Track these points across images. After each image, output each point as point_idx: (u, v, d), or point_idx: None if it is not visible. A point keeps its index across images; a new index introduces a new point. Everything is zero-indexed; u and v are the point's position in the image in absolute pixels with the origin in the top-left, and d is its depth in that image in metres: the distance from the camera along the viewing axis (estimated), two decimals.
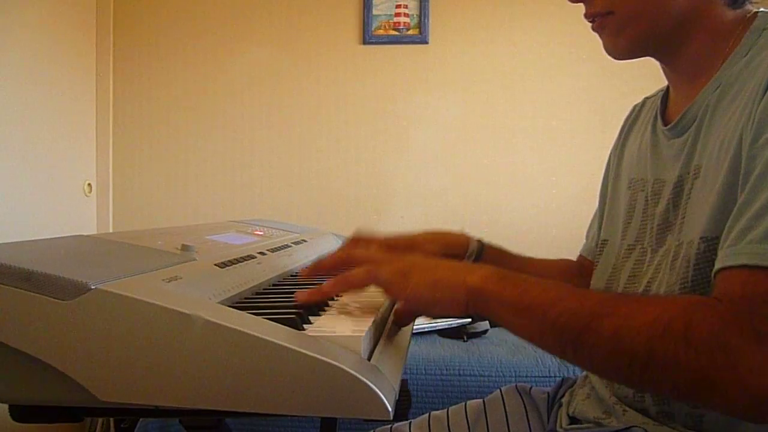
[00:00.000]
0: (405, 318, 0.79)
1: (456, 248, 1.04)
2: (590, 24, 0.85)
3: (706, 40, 0.80)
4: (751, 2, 0.80)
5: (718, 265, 0.63)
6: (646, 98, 1.02)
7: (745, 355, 0.56)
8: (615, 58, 0.86)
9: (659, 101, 0.93)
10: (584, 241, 1.14)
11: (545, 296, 0.66)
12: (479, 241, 1.07)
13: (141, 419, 1.73)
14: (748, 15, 0.79)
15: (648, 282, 0.83)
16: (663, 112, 0.91)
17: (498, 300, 0.68)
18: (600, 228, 1.04)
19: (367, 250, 0.92)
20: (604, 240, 0.99)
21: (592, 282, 0.99)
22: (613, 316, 0.62)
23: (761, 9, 0.80)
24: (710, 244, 0.69)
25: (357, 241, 0.98)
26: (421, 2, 2.59)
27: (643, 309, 0.61)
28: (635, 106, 1.04)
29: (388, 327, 0.77)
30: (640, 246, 0.89)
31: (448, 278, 0.71)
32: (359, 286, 0.75)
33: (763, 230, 0.60)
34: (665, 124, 0.88)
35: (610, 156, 1.08)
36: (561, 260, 1.16)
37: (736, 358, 0.56)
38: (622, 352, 0.61)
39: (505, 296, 0.68)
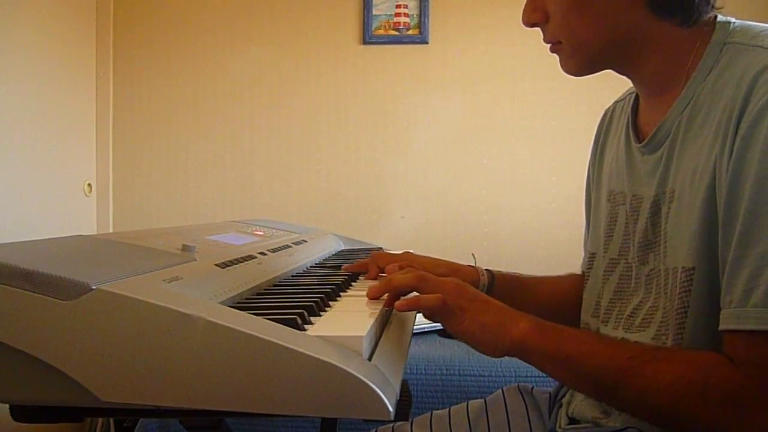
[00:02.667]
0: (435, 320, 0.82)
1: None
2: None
3: (662, 57, 0.80)
4: (713, 9, 0.78)
5: (725, 326, 0.67)
6: (617, 102, 1.02)
7: (757, 414, 0.64)
8: (572, 76, 0.88)
9: (630, 109, 0.93)
10: (583, 255, 1.14)
11: (579, 350, 0.73)
12: (489, 273, 1.08)
13: (141, 419, 1.73)
14: (707, 26, 0.78)
15: (640, 302, 0.84)
16: (635, 123, 0.91)
17: (538, 353, 0.75)
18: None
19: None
20: (593, 253, 0.99)
21: (584, 296, 1.00)
22: (640, 377, 0.69)
23: (719, 17, 0.79)
24: (689, 274, 0.74)
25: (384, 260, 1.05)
26: (421, 2, 2.59)
27: (665, 368, 0.68)
28: (607, 111, 1.04)
29: (388, 327, 0.77)
30: (624, 261, 0.90)
31: (497, 324, 0.77)
32: (427, 309, 0.80)
33: (764, 291, 0.64)
34: (638, 138, 0.88)
35: (588, 168, 1.08)
36: (568, 276, 1.15)
37: (749, 416, 0.64)
38: (649, 408, 0.70)
39: (544, 349, 0.75)
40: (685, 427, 0.69)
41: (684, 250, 0.74)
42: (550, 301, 1.11)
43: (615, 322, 0.88)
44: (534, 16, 0.87)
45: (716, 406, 0.65)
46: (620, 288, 0.89)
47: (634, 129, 0.90)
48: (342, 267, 1.13)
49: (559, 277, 1.16)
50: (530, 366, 1.92)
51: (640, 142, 0.87)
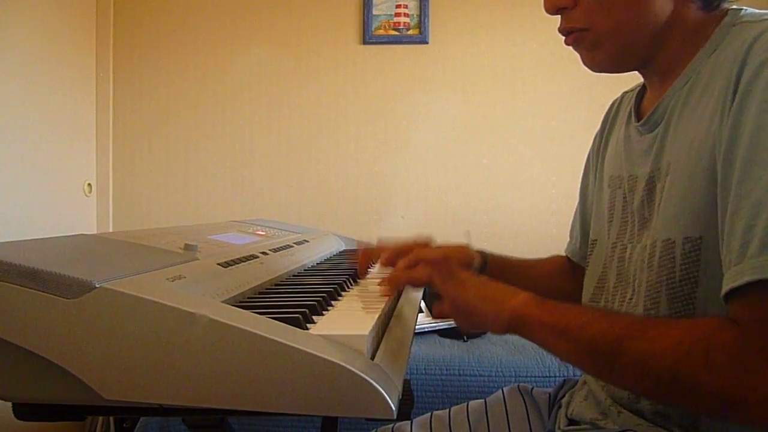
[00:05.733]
0: (442, 315, 0.82)
1: (461, 263, 1.06)
2: (563, 39, 0.85)
3: (679, 43, 0.80)
4: (728, 2, 0.79)
5: (726, 287, 0.64)
6: (625, 93, 1.02)
7: (765, 375, 0.59)
8: (594, 71, 0.86)
9: (634, 97, 0.93)
10: (568, 240, 1.15)
11: (579, 319, 0.71)
12: (482, 253, 1.09)
13: (141, 418, 1.73)
14: (721, 13, 0.79)
15: (633, 279, 0.84)
16: (638, 108, 0.92)
17: (537, 323, 0.73)
18: (585, 227, 1.05)
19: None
20: (594, 240, 0.99)
21: (584, 282, 1.00)
22: (640, 340, 0.65)
23: (732, 6, 0.79)
24: (695, 244, 0.72)
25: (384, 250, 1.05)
26: (421, 2, 2.59)
27: (666, 333, 0.65)
28: (614, 102, 1.04)
29: (390, 327, 0.77)
30: (621, 243, 0.89)
31: (495, 297, 0.77)
32: (422, 283, 0.82)
33: (759, 242, 0.61)
34: (638, 120, 0.88)
35: (589, 155, 1.08)
36: (554, 257, 1.18)
37: (757, 378, 0.59)
38: (649, 374, 0.65)
39: (543, 319, 0.73)
40: (686, 395, 0.63)
41: (685, 220, 0.73)
42: (540, 284, 1.12)
43: (619, 307, 0.88)
44: (562, 1, 0.82)
45: (720, 369, 0.60)
46: (620, 271, 0.89)
47: (636, 112, 0.91)
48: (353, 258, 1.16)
49: (545, 259, 1.18)
50: (530, 366, 1.93)
51: (639, 122, 0.87)
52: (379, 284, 0.88)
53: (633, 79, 0.93)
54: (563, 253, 1.16)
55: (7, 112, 2.06)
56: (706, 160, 0.70)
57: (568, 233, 1.16)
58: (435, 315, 0.83)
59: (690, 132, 0.74)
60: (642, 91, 0.93)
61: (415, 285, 0.86)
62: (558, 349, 0.73)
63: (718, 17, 0.78)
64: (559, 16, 0.85)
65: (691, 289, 0.73)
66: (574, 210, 1.13)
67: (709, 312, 0.71)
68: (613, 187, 0.94)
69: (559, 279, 1.12)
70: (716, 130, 0.69)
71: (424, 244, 1.01)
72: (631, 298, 0.84)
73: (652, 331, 0.66)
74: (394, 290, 0.88)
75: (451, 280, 0.80)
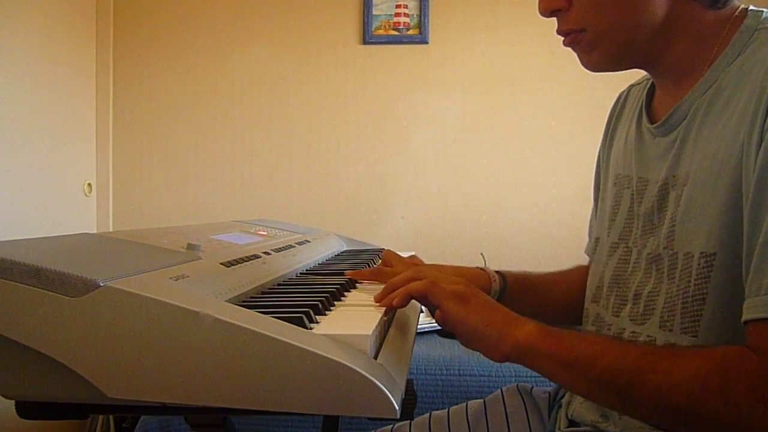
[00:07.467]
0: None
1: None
2: (562, 40, 0.84)
3: (688, 43, 0.78)
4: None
5: (751, 315, 0.63)
6: (632, 85, 1.00)
7: None
8: (591, 71, 0.84)
9: (644, 93, 0.91)
10: (587, 240, 1.14)
11: (589, 351, 0.69)
12: (500, 275, 1.04)
13: (141, 418, 1.74)
14: (735, 13, 0.77)
15: (638, 285, 0.82)
16: (648, 107, 0.89)
17: (544, 355, 0.71)
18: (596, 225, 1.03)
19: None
20: (597, 238, 0.98)
21: (588, 281, 0.98)
22: (654, 373, 0.64)
23: (750, 7, 0.77)
24: (709, 261, 0.71)
25: (395, 263, 1.03)
26: (421, 2, 2.59)
27: (681, 364, 0.63)
28: (620, 95, 1.02)
29: (392, 327, 0.77)
30: (624, 244, 0.88)
31: (499, 323, 0.74)
32: (420, 296, 0.78)
33: None
34: (651, 121, 0.86)
35: (599, 152, 1.06)
36: (576, 269, 1.12)
37: None
38: (665, 407, 0.63)
39: (551, 352, 0.71)
40: (704, 427, 0.63)
41: (703, 235, 0.71)
42: (564, 298, 1.08)
43: (614, 308, 0.87)
44: (555, 3, 0.80)
45: (738, 401, 0.59)
46: (617, 272, 0.88)
47: (647, 111, 0.88)
48: (346, 273, 1.05)
49: (567, 271, 1.13)
50: None
51: (652, 124, 0.85)
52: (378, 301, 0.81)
53: (633, 77, 0.92)
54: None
55: (7, 112, 2.05)
56: (729, 176, 0.69)
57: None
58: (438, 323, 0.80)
59: (713, 143, 0.72)
60: (651, 89, 0.91)
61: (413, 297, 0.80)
62: (566, 381, 0.72)
63: (734, 17, 0.76)
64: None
65: (699, 307, 0.72)
66: (592, 211, 1.10)
67: (713, 331, 0.70)
68: (619, 186, 0.92)
69: (584, 290, 1.06)
70: (743, 146, 0.67)
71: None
72: (634, 305, 0.83)
73: (666, 362, 0.64)
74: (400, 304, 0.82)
75: (453, 297, 0.76)
